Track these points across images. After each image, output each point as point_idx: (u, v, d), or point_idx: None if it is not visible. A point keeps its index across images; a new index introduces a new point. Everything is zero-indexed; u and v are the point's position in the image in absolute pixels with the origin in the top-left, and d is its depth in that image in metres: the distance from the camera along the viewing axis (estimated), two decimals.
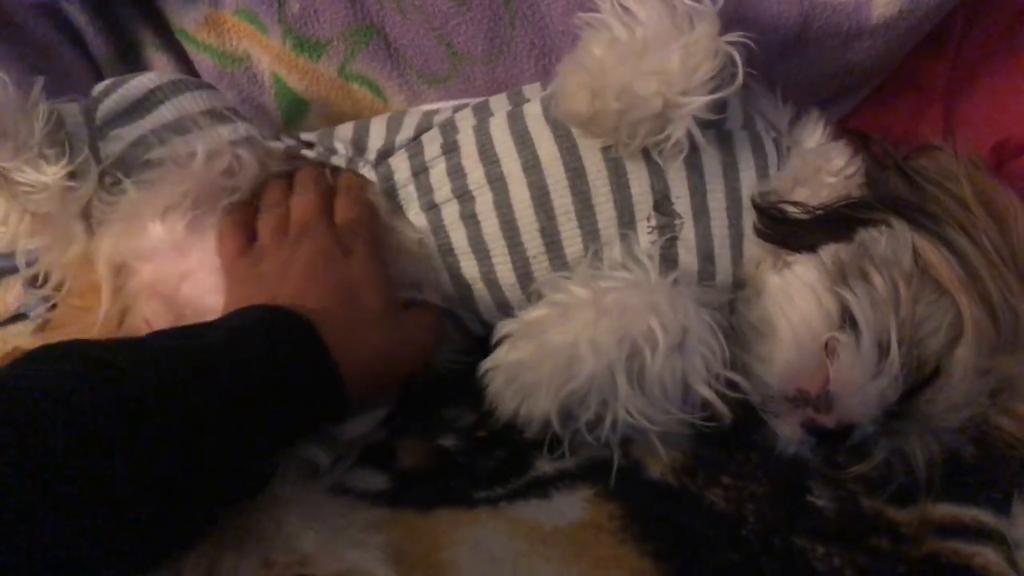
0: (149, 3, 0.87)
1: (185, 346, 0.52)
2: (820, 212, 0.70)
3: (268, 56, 0.89)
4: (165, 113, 0.72)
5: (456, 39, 0.87)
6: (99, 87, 0.73)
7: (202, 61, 0.89)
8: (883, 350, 0.63)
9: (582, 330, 0.66)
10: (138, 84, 0.73)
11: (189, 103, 0.73)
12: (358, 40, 0.88)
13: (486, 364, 0.70)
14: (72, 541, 0.41)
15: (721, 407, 0.67)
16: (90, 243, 0.71)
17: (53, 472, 0.41)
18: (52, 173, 0.66)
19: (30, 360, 0.48)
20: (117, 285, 0.71)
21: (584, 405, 0.65)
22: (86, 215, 0.70)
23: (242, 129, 0.74)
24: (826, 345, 0.65)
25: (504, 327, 0.70)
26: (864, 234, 0.68)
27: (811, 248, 0.69)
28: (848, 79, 0.93)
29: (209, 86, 0.78)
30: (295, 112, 0.92)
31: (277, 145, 0.75)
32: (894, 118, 0.97)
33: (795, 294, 0.68)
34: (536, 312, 0.70)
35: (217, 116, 0.74)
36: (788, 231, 0.70)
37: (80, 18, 0.85)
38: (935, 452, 0.66)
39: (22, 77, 0.67)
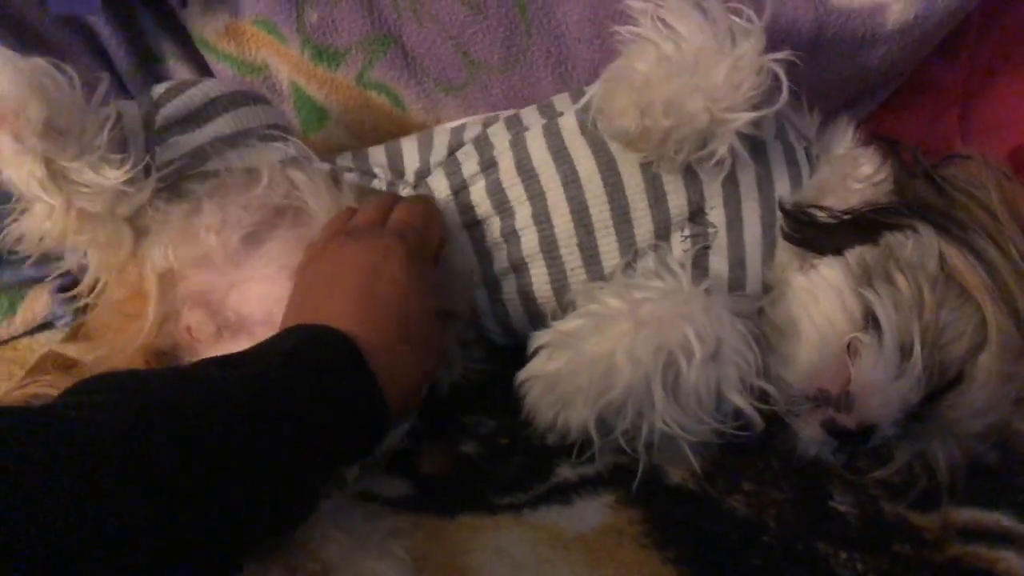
0: (171, 13, 0.88)
1: (237, 379, 0.51)
2: (847, 216, 0.70)
3: (287, 65, 0.89)
4: (223, 126, 0.72)
5: (473, 47, 0.88)
6: (159, 89, 0.73)
7: (222, 71, 0.90)
8: (906, 352, 0.64)
9: (619, 341, 0.66)
10: (199, 92, 0.72)
11: (247, 118, 0.73)
12: (376, 49, 0.89)
13: (523, 375, 0.70)
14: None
15: (754, 416, 0.67)
16: (138, 248, 0.70)
17: (108, 509, 0.41)
18: (113, 178, 0.64)
19: (86, 391, 0.48)
20: (162, 291, 0.70)
21: (621, 415, 0.65)
22: (133, 219, 0.69)
23: (292, 148, 0.73)
24: (848, 346, 0.66)
25: (540, 337, 0.70)
26: (890, 238, 0.68)
27: (837, 251, 0.69)
28: (863, 85, 0.93)
29: (265, 100, 0.78)
30: (314, 121, 0.92)
31: (323, 166, 0.75)
32: (909, 124, 0.97)
33: (820, 294, 0.68)
34: (572, 323, 0.70)
35: (270, 133, 0.73)
36: (815, 234, 0.70)
37: (103, 29, 0.86)
38: (958, 457, 0.66)
39: None
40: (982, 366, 0.64)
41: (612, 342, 0.66)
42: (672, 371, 0.65)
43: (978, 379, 0.64)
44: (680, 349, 0.65)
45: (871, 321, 0.65)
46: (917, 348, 0.63)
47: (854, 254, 0.68)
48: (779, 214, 0.72)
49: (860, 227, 0.69)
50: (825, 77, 0.89)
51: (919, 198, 0.70)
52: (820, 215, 0.71)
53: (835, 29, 0.84)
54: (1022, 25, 0.97)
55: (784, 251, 0.73)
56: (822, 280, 0.69)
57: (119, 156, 0.65)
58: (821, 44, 0.86)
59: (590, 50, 0.86)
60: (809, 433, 0.68)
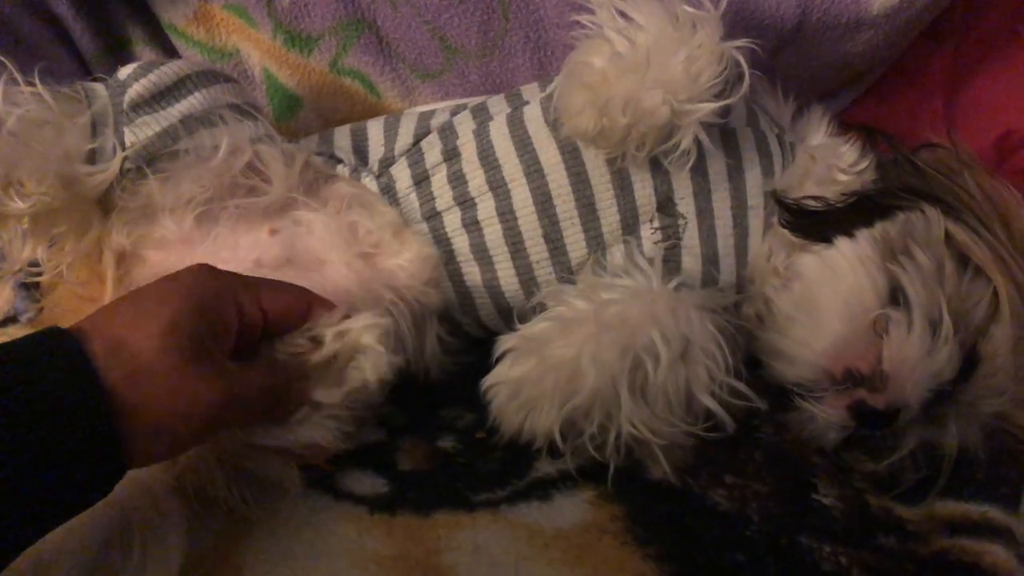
0: None
1: None
2: (853, 200, 0.69)
3: (259, 51, 0.87)
4: (195, 102, 0.71)
5: (449, 32, 0.86)
6: (126, 70, 0.71)
7: (192, 56, 0.88)
8: (935, 327, 0.62)
9: (584, 344, 0.65)
10: (169, 71, 0.71)
11: (218, 95, 0.72)
12: (349, 34, 0.87)
13: (489, 380, 0.68)
14: None
15: (725, 416, 0.66)
16: (104, 230, 0.69)
17: None
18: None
19: None
20: (120, 274, 0.69)
21: (588, 419, 0.64)
22: (104, 202, 0.69)
23: (262, 128, 0.73)
24: (875, 323, 0.64)
25: (505, 342, 0.69)
26: (903, 215, 0.67)
27: (848, 234, 0.68)
28: (848, 72, 0.92)
29: (235, 80, 0.77)
30: (287, 108, 0.91)
31: (289, 147, 0.74)
32: (894, 112, 0.97)
33: (843, 270, 0.67)
34: (537, 326, 0.68)
35: (242, 111, 0.73)
36: (821, 222, 0.69)
37: (67, 14, 0.84)
38: (974, 440, 0.65)
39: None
40: (998, 339, 0.64)
41: (577, 346, 0.65)
42: (639, 374, 0.64)
43: (996, 354, 0.64)
44: (645, 352, 0.64)
45: (899, 297, 0.64)
46: (947, 321, 0.62)
47: (877, 228, 0.67)
48: (750, 204, 0.71)
49: (867, 210, 0.68)
50: (809, 63, 0.89)
51: (905, 183, 0.69)
52: (813, 204, 0.70)
53: (819, 14, 0.84)
54: (1007, 13, 0.97)
55: (768, 240, 0.72)
56: (842, 256, 0.67)
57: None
58: (805, 29, 0.85)
59: (569, 35, 0.84)
60: (832, 418, 0.66)
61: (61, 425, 0.45)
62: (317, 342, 0.62)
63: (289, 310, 0.61)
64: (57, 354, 0.48)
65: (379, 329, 0.63)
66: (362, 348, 0.62)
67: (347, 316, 0.63)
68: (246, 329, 0.58)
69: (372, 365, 0.62)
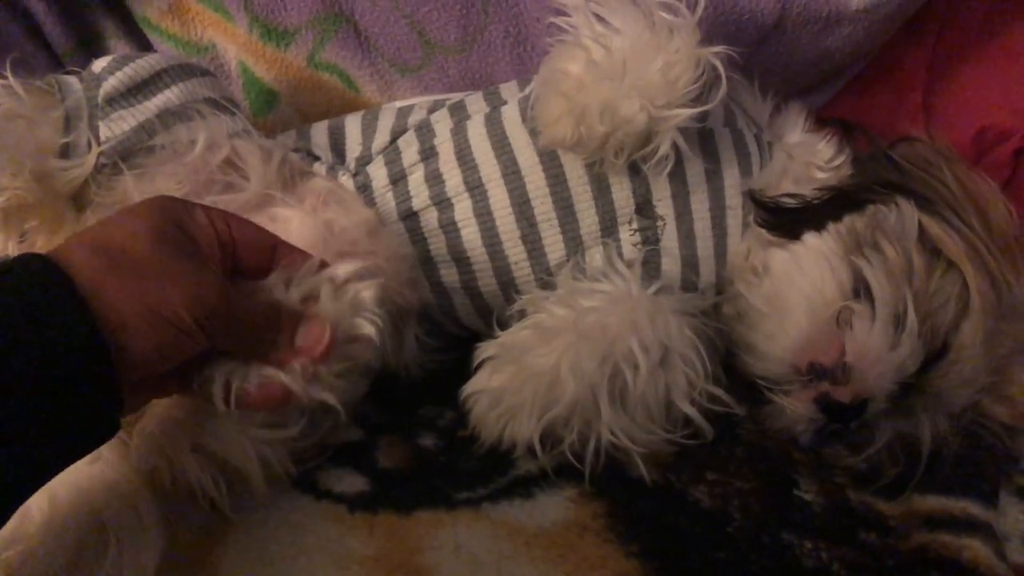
0: None
1: None
2: (829, 194, 0.69)
3: (235, 45, 0.86)
4: (171, 96, 0.70)
5: (428, 26, 0.85)
6: (100, 64, 0.70)
7: (166, 51, 0.87)
8: (899, 320, 0.63)
9: (563, 353, 0.64)
10: (145, 64, 0.70)
11: (195, 88, 0.71)
12: (327, 28, 0.86)
13: (468, 388, 0.68)
14: None
15: (704, 424, 0.66)
16: (80, 226, 0.67)
17: None
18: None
19: None
20: None
21: (568, 427, 0.64)
22: (78, 198, 0.68)
23: (240, 122, 0.72)
24: (839, 316, 0.64)
25: (485, 350, 0.68)
26: (873, 208, 0.67)
27: (820, 229, 0.68)
28: (827, 67, 0.92)
29: (211, 73, 0.76)
30: (264, 103, 0.90)
31: (266, 143, 0.73)
32: (874, 107, 0.97)
33: (806, 264, 0.67)
34: (517, 334, 0.68)
35: (219, 106, 0.72)
36: (796, 218, 0.69)
37: (39, 7, 0.83)
38: (944, 432, 0.66)
39: None
40: (968, 332, 0.64)
41: (556, 355, 0.65)
42: (619, 382, 0.64)
43: (966, 345, 0.64)
44: (625, 360, 0.64)
45: (861, 290, 0.64)
46: (911, 315, 0.62)
47: (844, 222, 0.67)
48: (729, 205, 0.71)
49: (840, 204, 0.68)
50: (788, 59, 0.88)
51: (881, 177, 0.69)
52: (789, 202, 0.70)
53: (799, 9, 0.84)
54: (986, 7, 0.97)
55: (747, 239, 0.72)
56: (807, 250, 0.68)
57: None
58: (785, 24, 0.85)
59: (549, 30, 0.83)
60: (799, 411, 0.66)
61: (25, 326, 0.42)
62: (311, 296, 0.58)
63: (256, 242, 0.57)
64: (17, 268, 0.44)
65: (377, 287, 0.60)
66: (361, 306, 0.59)
67: (324, 264, 0.60)
68: (221, 250, 0.54)
69: (371, 324, 0.59)
